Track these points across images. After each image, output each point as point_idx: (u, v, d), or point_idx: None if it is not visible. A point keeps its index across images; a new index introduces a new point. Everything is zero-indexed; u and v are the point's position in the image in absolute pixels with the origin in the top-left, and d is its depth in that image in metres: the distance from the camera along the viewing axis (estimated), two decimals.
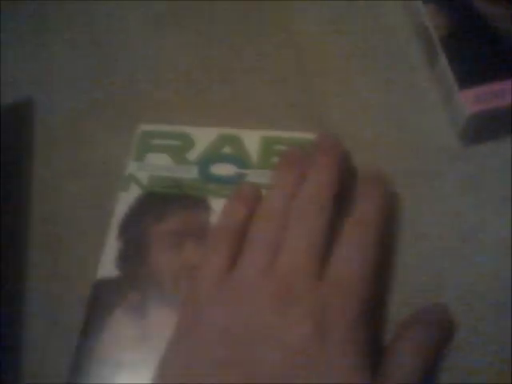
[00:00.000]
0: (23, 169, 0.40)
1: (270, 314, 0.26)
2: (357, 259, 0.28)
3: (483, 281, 0.31)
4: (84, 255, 0.36)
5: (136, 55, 0.42)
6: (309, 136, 0.35)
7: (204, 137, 0.36)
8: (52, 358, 0.34)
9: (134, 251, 0.34)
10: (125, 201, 0.35)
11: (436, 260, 0.32)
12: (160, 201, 0.35)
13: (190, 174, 0.35)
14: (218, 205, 0.34)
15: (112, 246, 0.34)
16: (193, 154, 0.36)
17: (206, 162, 0.35)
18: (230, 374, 0.26)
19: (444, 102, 0.36)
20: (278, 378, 0.25)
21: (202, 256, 0.31)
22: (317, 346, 0.25)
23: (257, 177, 0.34)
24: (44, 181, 0.39)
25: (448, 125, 0.36)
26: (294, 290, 0.27)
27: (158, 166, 0.36)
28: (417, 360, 0.27)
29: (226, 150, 0.36)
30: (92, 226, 0.37)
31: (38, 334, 0.34)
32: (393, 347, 0.28)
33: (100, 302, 0.32)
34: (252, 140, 0.36)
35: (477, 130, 0.34)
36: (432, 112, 0.36)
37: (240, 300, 0.27)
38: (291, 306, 0.26)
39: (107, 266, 0.33)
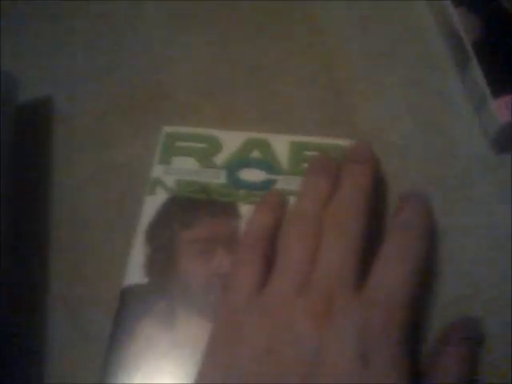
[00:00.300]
0: (43, 170, 0.39)
1: (310, 336, 0.26)
2: (401, 273, 0.27)
3: None
4: (108, 260, 0.35)
5: (159, 55, 0.42)
6: (339, 142, 0.34)
7: (231, 140, 0.36)
8: (75, 364, 0.33)
9: (161, 258, 0.33)
10: (151, 205, 0.34)
11: (470, 270, 0.32)
12: (188, 206, 0.34)
13: (218, 178, 0.35)
14: (247, 211, 0.33)
15: (139, 252, 0.33)
16: (220, 158, 0.35)
17: (234, 166, 0.35)
18: None
19: (475, 108, 0.35)
20: None
21: (232, 268, 0.30)
22: (360, 370, 0.25)
23: (287, 183, 0.34)
24: (65, 183, 0.39)
25: (479, 132, 0.35)
26: (333, 306, 0.26)
27: (184, 169, 0.35)
28: (458, 377, 0.27)
29: (255, 154, 0.35)
30: (115, 230, 0.36)
31: (60, 340, 0.34)
32: (434, 366, 0.27)
33: (128, 310, 0.32)
34: (281, 145, 0.35)
35: (510, 139, 0.33)
36: (462, 118, 0.36)
37: (278, 318, 0.27)
38: (331, 327, 0.26)
39: (135, 273, 0.33)
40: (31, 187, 0.39)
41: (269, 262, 0.30)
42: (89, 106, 0.41)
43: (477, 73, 0.34)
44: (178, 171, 0.35)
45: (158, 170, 0.36)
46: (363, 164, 0.31)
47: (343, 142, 0.34)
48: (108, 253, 0.35)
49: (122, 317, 0.32)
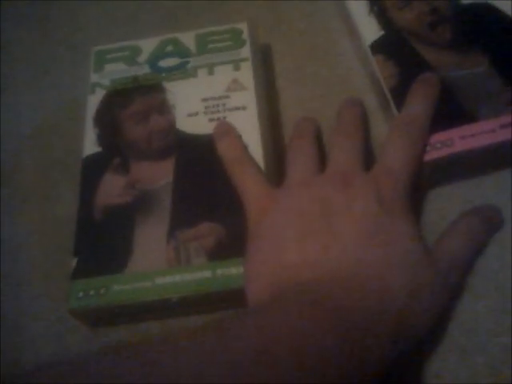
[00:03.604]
0: None
1: (334, 195, 0.32)
2: (402, 151, 0.34)
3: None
4: (46, 314, 0.38)
5: None
6: (235, 25, 0.44)
7: (149, 44, 0.45)
8: None
9: (110, 132, 0.41)
10: (94, 100, 0.43)
11: None
12: (123, 93, 0.43)
13: (143, 70, 0.43)
14: (171, 86, 0.42)
15: (90, 134, 0.41)
16: (142, 58, 0.44)
17: (154, 60, 0.44)
18: (309, 244, 0.31)
19: None
20: (351, 246, 0.30)
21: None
22: (383, 216, 0.31)
23: (197, 61, 0.43)
24: (6, 237, 0.42)
25: None
26: (347, 176, 0.33)
27: (115, 71, 0.44)
28: (467, 239, 0.33)
29: (169, 48, 0.44)
30: (54, 284, 0.39)
31: None
32: (448, 229, 0.33)
33: (91, 171, 0.40)
34: (188, 38, 0.44)
35: (431, 176, 0.36)
36: None
37: (311, 192, 0.33)
38: (349, 187, 0.32)
39: (90, 146, 0.41)
40: None
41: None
42: (32, 162, 0.45)
43: (396, 114, 0.36)
44: (110, 73, 0.44)
45: (94, 77, 0.44)
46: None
47: (239, 25, 0.44)
48: (47, 307, 0.38)
49: (87, 177, 0.39)
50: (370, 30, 0.41)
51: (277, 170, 0.39)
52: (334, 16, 0.46)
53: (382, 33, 0.41)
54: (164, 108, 0.41)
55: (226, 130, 0.39)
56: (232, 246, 0.35)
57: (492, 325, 0.32)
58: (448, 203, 0.35)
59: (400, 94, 0.37)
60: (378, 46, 0.40)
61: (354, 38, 0.43)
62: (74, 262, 0.36)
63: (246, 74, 0.42)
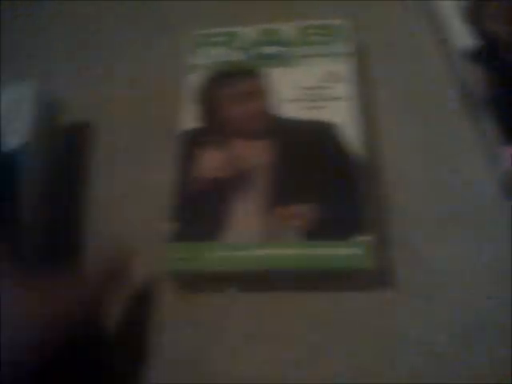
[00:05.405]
0: (81, 189, 0.44)
1: None
2: None
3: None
4: (139, 277, 0.39)
5: None
6: (335, 22, 0.46)
7: (249, 32, 0.47)
8: None
9: (208, 110, 0.43)
10: (193, 79, 0.45)
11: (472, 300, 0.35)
12: (226, 74, 0.45)
13: (243, 56, 0.45)
14: (269, 73, 0.44)
15: (188, 110, 0.43)
16: (242, 44, 0.46)
17: (252, 47, 0.46)
18: None
19: (486, 154, 0.39)
20: None
21: None
22: None
23: (295, 52, 0.45)
24: (101, 202, 0.43)
25: (490, 177, 0.38)
26: None
27: (215, 54, 0.46)
28: None
29: (268, 38, 0.46)
30: (146, 245, 0.39)
31: None
32: None
33: (189, 144, 0.41)
34: (288, 29, 0.46)
35: None
36: (474, 163, 0.39)
37: None
38: None
39: (188, 121, 0.43)
40: (67, 204, 0.43)
41: None
42: (126, 130, 0.47)
43: (488, 122, 0.37)
44: (210, 57, 0.46)
45: (194, 59, 0.46)
46: None
47: (338, 21, 0.46)
48: (139, 270, 0.38)
49: (184, 152, 0.41)
50: (464, 38, 0.42)
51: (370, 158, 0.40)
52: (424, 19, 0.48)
53: (475, 42, 0.42)
54: (261, 94, 0.43)
55: None
56: (325, 228, 0.36)
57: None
58: None
59: (496, 100, 0.38)
60: (471, 55, 0.41)
61: (445, 46, 0.44)
62: (170, 226, 0.38)
63: (343, 68, 0.43)
